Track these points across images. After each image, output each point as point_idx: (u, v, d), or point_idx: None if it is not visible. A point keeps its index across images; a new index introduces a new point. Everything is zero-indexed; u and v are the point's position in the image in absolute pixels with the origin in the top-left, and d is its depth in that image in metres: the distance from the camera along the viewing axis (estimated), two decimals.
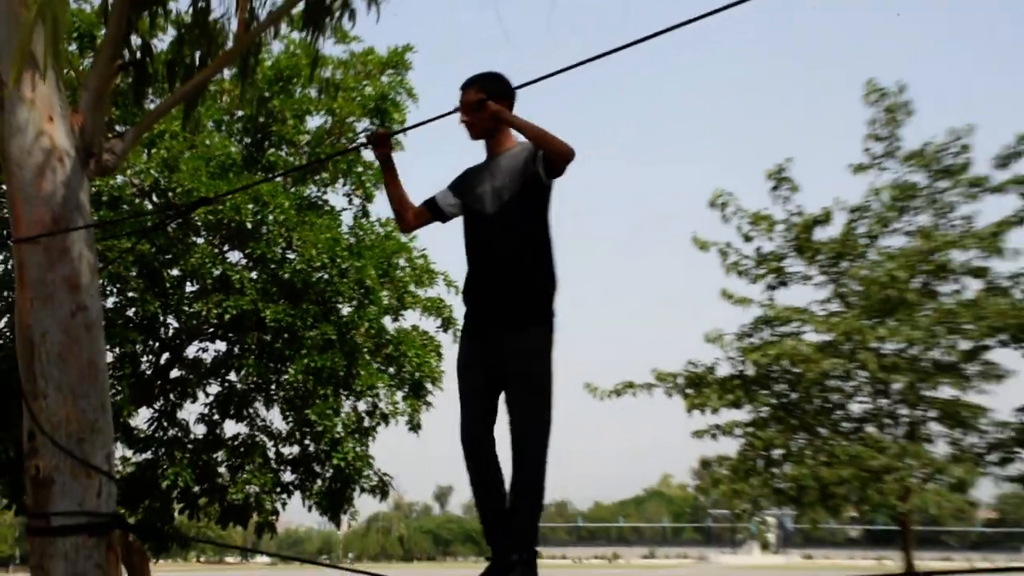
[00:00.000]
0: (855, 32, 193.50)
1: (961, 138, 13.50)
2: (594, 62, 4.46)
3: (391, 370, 15.15)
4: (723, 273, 14.03)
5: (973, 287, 13.78)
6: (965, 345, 13.44)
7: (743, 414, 14.04)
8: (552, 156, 4.56)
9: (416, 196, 5.14)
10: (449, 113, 4.86)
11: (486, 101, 4.70)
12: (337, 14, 6.80)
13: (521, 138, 4.80)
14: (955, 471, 12.69)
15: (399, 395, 15.12)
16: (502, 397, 4.80)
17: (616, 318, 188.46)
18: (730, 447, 14.09)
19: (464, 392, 4.84)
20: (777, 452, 13.74)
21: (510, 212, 4.69)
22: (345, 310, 14.45)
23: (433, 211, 5.00)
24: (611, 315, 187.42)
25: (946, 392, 13.69)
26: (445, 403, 15.93)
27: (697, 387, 13.87)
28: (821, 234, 13.81)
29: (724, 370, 14.05)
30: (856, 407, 14.27)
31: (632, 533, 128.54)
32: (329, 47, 14.37)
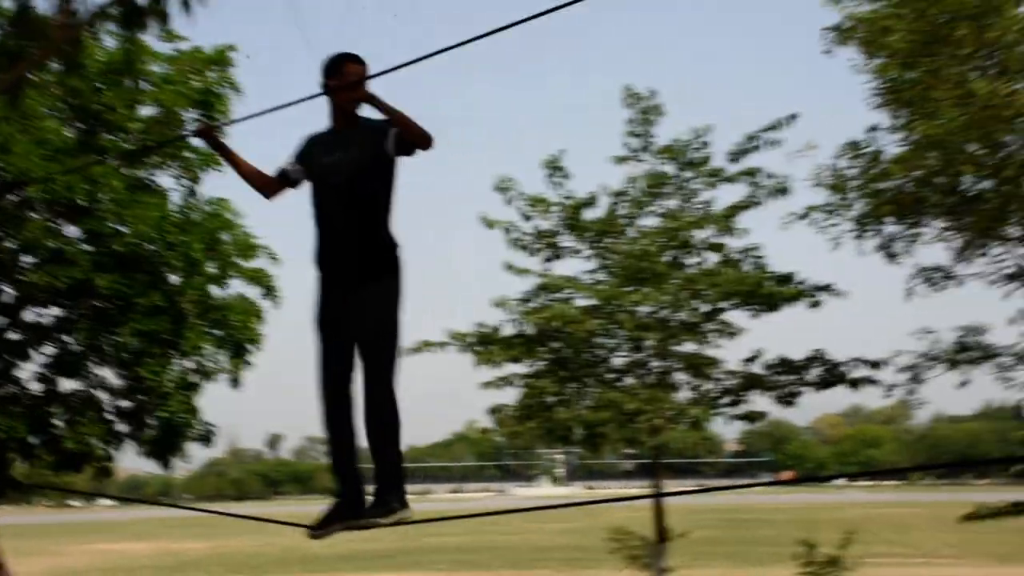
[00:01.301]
0: (619, 35, 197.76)
1: (702, 136, 14.11)
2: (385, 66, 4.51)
3: (217, 333, 14.89)
4: (507, 247, 14.29)
5: (711, 260, 14.46)
6: (704, 308, 14.12)
7: (524, 367, 14.39)
8: (414, 142, 4.44)
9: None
10: (323, 93, 4.61)
11: (363, 82, 4.50)
12: (152, 16, 6.60)
13: (366, 113, 4.65)
14: (692, 412, 13.35)
15: (223, 355, 14.88)
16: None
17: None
18: (513, 396, 14.43)
19: (321, 347, 4.70)
20: (551, 399, 14.14)
21: (360, 183, 4.54)
22: (174, 279, 14.12)
23: (285, 180, 4.85)
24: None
25: (689, 347, 14.38)
26: (267, 363, 15.82)
27: (485, 345, 14.13)
28: (589, 215, 14.22)
29: (508, 330, 14.36)
30: (617, 360, 14.83)
31: (441, 471, 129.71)
32: (160, 44, 13.81)
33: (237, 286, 15.37)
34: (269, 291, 15.40)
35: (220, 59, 14.01)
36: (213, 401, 15.83)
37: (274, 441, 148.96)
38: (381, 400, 4.56)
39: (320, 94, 4.60)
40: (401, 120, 4.38)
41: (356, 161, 4.56)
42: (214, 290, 15.02)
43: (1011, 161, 14.67)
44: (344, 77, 4.58)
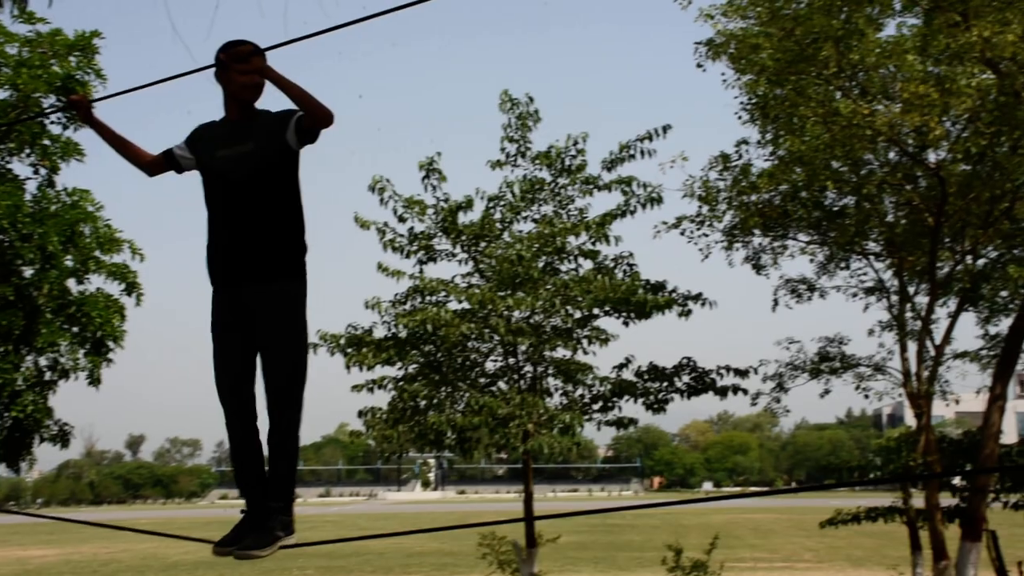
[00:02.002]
0: (500, 42, 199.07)
1: (578, 143, 14.31)
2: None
3: (74, 329, 14.38)
4: (381, 249, 14.23)
5: (585, 266, 14.69)
6: (578, 314, 14.33)
7: (395, 370, 14.36)
8: (313, 119, 4.12)
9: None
10: (210, 67, 4.32)
11: (256, 56, 4.24)
12: None
13: (266, 106, 4.41)
14: (564, 418, 13.53)
15: (81, 352, 14.38)
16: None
17: None
18: (385, 399, 14.38)
19: (220, 352, 4.38)
20: (423, 403, 14.13)
21: (259, 179, 4.25)
22: (28, 272, 13.57)
23: (170, 162, 4.54)
24: None
25: (562, 352, 14.56)
26: (129, 360, 15.39)
27: (357, 347, 14.02)
28: (464, 218, 14.28)
29: (380, 332, 14.29)
30: (490, 364, 14.93)
31: (310, 475, 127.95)
32: (17, 25, 13.27)
33: (98, 281, 14.91)
34: (131, 287, 14.97)
35: (84, 44, 13.55)
36: (70, 400, 15.33)
37: (135, 443, 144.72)
38: (283, 417, 4.30)
39: (211, 66, 4.34)
40: (300, 95, 4.10)
41: (256, 155, 4.30)
42: (72, 285, 14.53)
43: (871, 179, 15.41)
44: (236, 70, 4.33)
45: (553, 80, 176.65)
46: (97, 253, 14.65)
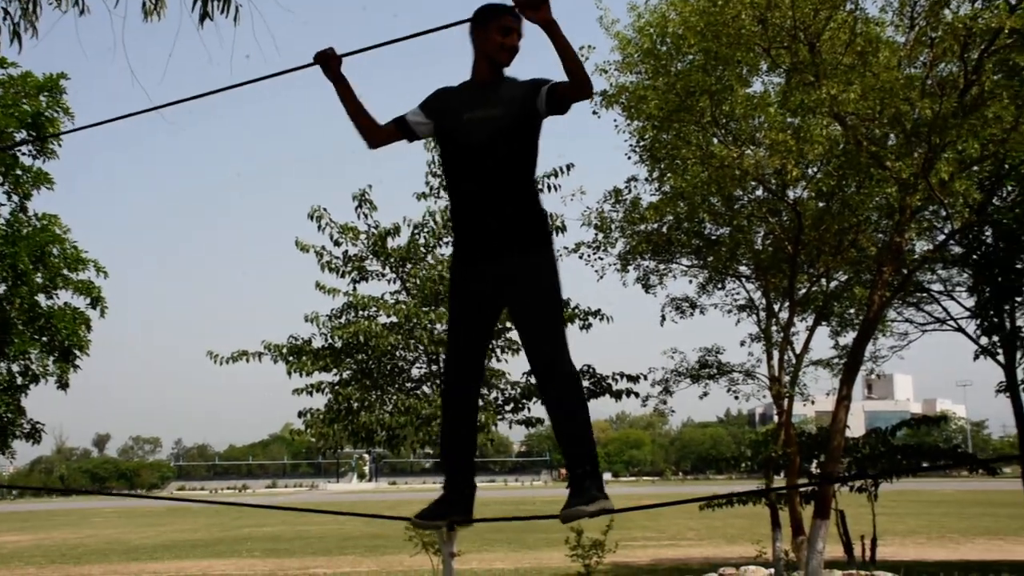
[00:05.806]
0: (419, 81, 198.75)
1: None
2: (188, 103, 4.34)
3: (44, 339, 14.04)
4: (319, 270, 14.10)
5: None
6: None
7: (331, 376, 14.20)
8: (577, 87, 3.55)
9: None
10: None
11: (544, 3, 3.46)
12: None
13: (510, 72, 3.82)
14: (479, 417, 13.53)
15: (50, 359, 14.04)
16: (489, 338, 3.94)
17: (237, 302, 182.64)
18: (322, 401, 14.22)
19: (457, 326, 3.82)
20: (356, 404, 13.99)
21: (503, 143, 3.67)
22: (1, 288, 13.22)
23: (402, 129, 3.88)
24: (233, 300, 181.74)
25: None
26: (95, 366, 15.02)
27: (297, 355, 13.86)
28: (392, 243, 14.22)
29: (319, 343, 14.14)
30: (416, 371, 14.85)
31: (259, 469, 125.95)
32: None
33: (65, 296, 14.62)
34: (96, 302, 14.71)
35: (51, 85, 13.28)
36: (42, 402, 15.02)
37: (101, 441, 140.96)
38: (562, 382, 3.70)
39: (502, 10, 3.71)
40: (574, 59, 3.50)
41: (503, 119, 3.70)
42: (42, 299, 14.22)
43: (741, 212, 15.78)
44: (495, 30, 3.73)
45: None
46: (64, 271, 14.39)
